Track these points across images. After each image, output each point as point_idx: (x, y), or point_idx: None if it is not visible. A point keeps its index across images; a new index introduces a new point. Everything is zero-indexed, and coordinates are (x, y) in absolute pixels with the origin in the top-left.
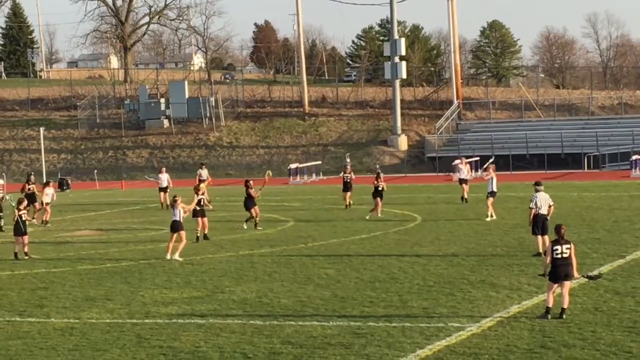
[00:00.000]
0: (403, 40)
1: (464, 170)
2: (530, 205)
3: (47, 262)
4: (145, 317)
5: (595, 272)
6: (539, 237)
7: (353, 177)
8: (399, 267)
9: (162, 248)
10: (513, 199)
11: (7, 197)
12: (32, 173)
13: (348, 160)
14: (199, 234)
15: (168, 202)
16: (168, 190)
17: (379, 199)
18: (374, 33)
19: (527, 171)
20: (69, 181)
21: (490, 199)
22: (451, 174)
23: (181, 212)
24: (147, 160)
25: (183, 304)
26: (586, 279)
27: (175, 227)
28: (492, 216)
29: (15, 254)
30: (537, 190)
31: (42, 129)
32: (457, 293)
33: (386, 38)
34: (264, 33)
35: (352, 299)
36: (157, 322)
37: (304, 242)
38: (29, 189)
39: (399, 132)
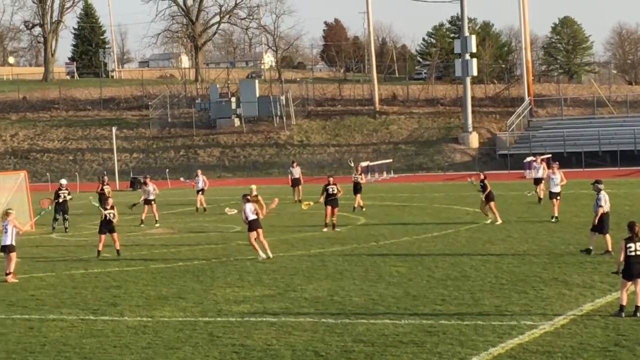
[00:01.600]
0: (474, 37)
1: (540, 169)
2: (601, 204)
3: (120, 261)
4: (217, 315)
5: None
6: (607, 235)
7: (363, 178)
8: (471, 265)
9: (234, 247)
10: (585, 197)
11: (90, 198)
12: (105, 173)
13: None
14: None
15: (204, 205)
16: (204, 192)
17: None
18: (444, 30)
19: (600, 168)
20: (143, 180)
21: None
22: (526, 171)
23: (251, 210)
24: (219, 159)
25: (255, 302)
26: None
27: (254, 225)
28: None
29: (99, 251)
30: (599, 190)
31: (114, 129)
32: (530, 291)
33: (457, 35)
34: (334, 31)
35: (423, 297)
36: (230, 320)
37: (375, 240)
38: (102, 189)
39: (470, 129)
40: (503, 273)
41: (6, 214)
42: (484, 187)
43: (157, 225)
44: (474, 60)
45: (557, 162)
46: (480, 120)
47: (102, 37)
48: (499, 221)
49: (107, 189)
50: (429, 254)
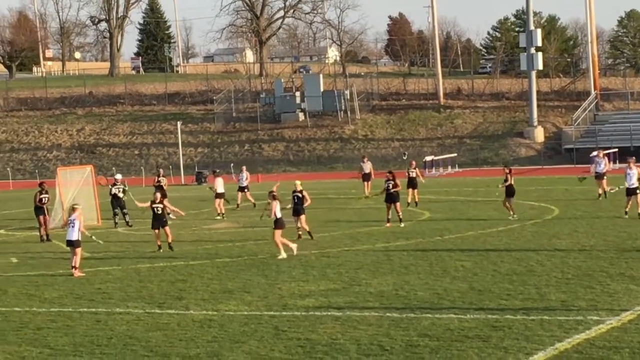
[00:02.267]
0: (539, 30)
1: (602, 164)
2: None
3: (186, 255)
4: (282, 309)
5: None
6: None
7: (419, 173)
8: (537, 260)
9: (298, 241)
10: None
11: (129, 193)
12: (161, 166)
13: (405, 156)
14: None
15: (251, 200)
16: (246, 190)
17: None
18: (509, 24)
19: None
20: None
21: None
22: (591, 166)
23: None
24: (283, 154)
25: (320, 297)
26: None
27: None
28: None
29: (159, 246)
30: None
31: (179, 123)
32: (596, 286)
33: (522, 29)
34: (398, 25)
35: (489, 292)
36: (295, 314)
37: (440, 235)
38: (158, 182)
39: (535, 123)
40: (569, 268)
41: (73, 209)
42: (506, 181)
43: (223, 218)
44: (540, 54)
45: (633, 157)
46: (546, 115)
47: (167, 32)
48: (514, 217)
49: (163, 181)
50: (495, 248)
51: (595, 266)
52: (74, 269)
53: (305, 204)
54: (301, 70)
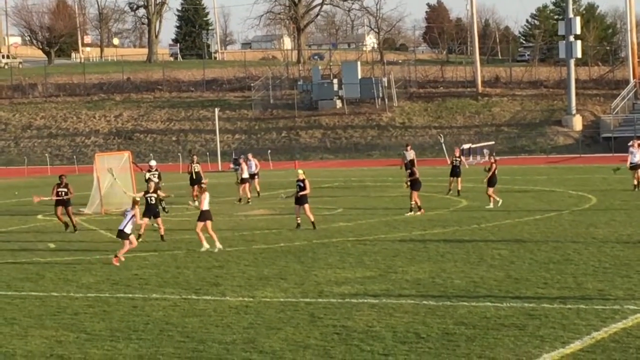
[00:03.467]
0: (578, 18)
1: (637, 154)
2: None
3: (222, 241)
4: (318, 296)
5: None
6: None
7: (464, 161)
8: (574, 249)
9: (335, 228)
10: None
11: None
12: (195, 153)
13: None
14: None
15: (258, 189)
16: (256, 177)
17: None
18: (548, 12)
19: None
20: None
21: None
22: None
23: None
24: (320, 141)
25: (356, 284)
26: None
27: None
28: None
29: (139, 234)
30: None
31: (216, 110)
32: (634, 275)
33: (561, 17)
34: (436, 13)
35: (525, 280)
36: (331, 301)
37: (477, 223)
38: (192, 168)
39: (574, 112)
40: (606, 257)
41: (134, 202)
42: (489, 170)
43: (249, 203)
44: (578, 42)
45: None
46: (584, 103)
47: (205, 19)
48: (490, 205)
49: (197, 167)
50: (531, 236)
51: (632, 255)
52: (115, 257)
53: (304, 193)
54: (315, 57)
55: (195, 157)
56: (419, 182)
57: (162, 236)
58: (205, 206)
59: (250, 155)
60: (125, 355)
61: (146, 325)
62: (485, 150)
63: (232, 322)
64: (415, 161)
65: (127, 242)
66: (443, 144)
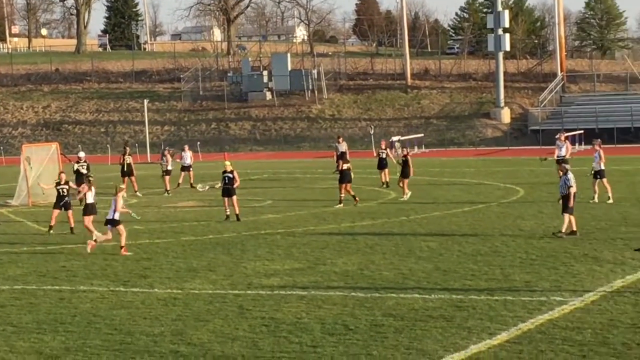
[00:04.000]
0: (507, 12)
1: (563, 147)
2: (571, 184)
3: (151, 233)
4: (247, 288)
5: None
6: (568, 215)
7: (389, 153)
8: (501, 241)
9: (264, 220)
10: (617, 173)
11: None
12: (128, 143)
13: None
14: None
15: (191, 181)
16: (190, 169)
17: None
18: (477, 5)
19: (632, 144)
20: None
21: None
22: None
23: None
24: (250, 133)
25: (285, 276)
26: None
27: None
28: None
29: (50, 226)
30: (567, 170)
31: (146, 101)
32: (560, 267)
33: (490, 10)
34: (366, 5)
35: (453, 272)
36: (259, 293)
37: (406, 215)
38: (124, 160)
39: (502, 104)
40: (533, 249)
41: (116, 188)
42: (405, 163)
43: (168, 195)
44: (507, 35)
45: (599, 140)
46: (512, 96)
47: (134, 10)
48: (405, 198)
49: (128, 159)
50: (460, 229)
51: (559, 247)
52: (121, 249)
53: (235, 185)
54: (238, 48)
55: (127, 148)
56: (348, 174)
57: (71, 229)
58: (90, 199)
59: (186, 147)
60: (52, 347)
61: (73, 317)
62: (397, 143)
63: (160, 314)
64: (348, 153)
65: (121, 227)
66: (372, 136)
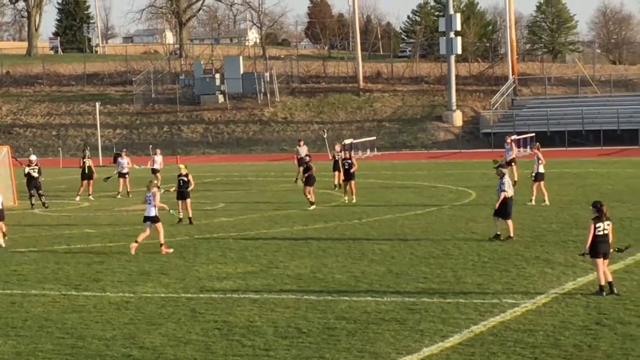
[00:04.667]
0: (458, 15)
1: (510, 151)
2: (505, 188)
3: (103, 237)
4: (200, 291)
5: (625, 245)
6: (510, 220)
7: (343, 156)
8: (453, 243)
9: (217, 223)
10: (568, 175)
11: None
12: (88, 147)
13: (325, 134)
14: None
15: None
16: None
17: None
18: (429, 8)
19: (583, 147)
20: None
21: (537, 182)
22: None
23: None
24: (202, 136)
25: (237, 279)
26: (617, 252)
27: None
28: (543, 201)
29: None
30: (503, 174)
31: (97, 104)
32: (512, 269)
33: (441, 13)
34: (318, 8)
35: (406, 275)
36: (212, 296)
37: (358, 218)
38: (83, 163)
39: (454, 107)
40: (485, 251)
41: (150, 184)
42: (349, 166)
43: (130, 196)
44: (459, 38)
45: (538, 143)
46: (464, 99)
47: (86, 12)
48: (346, 199)
49: (88, 162)
50: (412, 231)
51: (511, 250)
52: (161, 247)
53: (190, 188)
54: (176, 54)
55: (87, 151)
56: (313, 177)
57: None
58: None
59: (158, 151)
60: (3, 352)
61: (25, 321)
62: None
63: (112, 318)
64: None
65: (159, 225)
66: (326, 139)
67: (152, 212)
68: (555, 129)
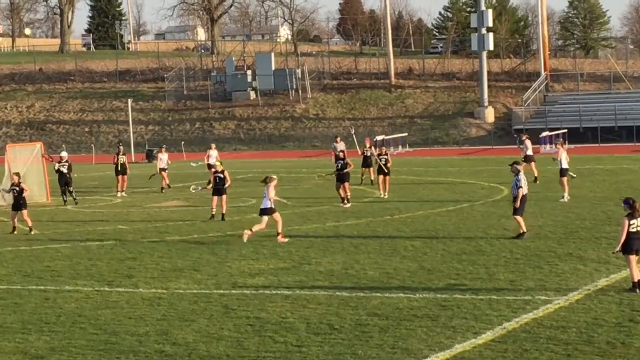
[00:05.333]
0: (490, 11)
1: (526, 148)
2: (521, 185)
3: (136, 233)
4: (232, 287)
5: None
6: (520, 217)
7: (374, 152)
8: (486, 240)
9: (249, 220)
10: (601, 172)
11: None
12: (121, 143)
13: (353, 130)
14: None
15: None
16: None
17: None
18: (460, 4)
19: (616, 143)
20: (157, 152)
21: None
22: (541, 146)
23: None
24: (234, 132)
25: (270, 275)
26: None
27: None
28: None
29: (13, 227)
30: (518, 171)
31: (130, 101)
32: (545, 266)
33: (473, 9)
34: (350, 4)
35: (438, 271)
36: (244, 292)
37: (390, 214)
38: (117, 160)
39: (486, 104)
40: (518, 248)
41: (266, 179)
42: (385, 162)
43: (166, 190)
44: (491, 34)
45: (561, 139)
46: (496, 95)
47: (118, 9)
48: (381, 195)
49: (122, 159)
50: (444, 228)
51: (543, 246)
52: (278, 235)
53: (226, 185)
54: (201, 50)
55: (121, 148)
56: (347, 174)
57: (30, 228)
58: None
59: (213, 146)
60: (37, 347)
61: (58, 317)
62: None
63: (145, 314)
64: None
65: (276, 215)
66: (354, 135)
67: (268, 204)
68: (588, 125)
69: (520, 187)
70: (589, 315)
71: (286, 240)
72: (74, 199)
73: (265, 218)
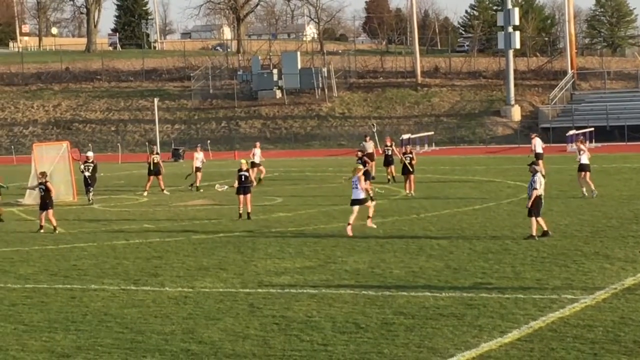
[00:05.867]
0: (517, 9)
1: (538, 145)
2: (536, 186)
3: (162, 232)
4: (258, 286)
5: None
6: (535, 219)
7: (395, 150)
8: (512, 239)
9: (275, 218)
10: (628, 170)
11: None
12: (152, 143)
13: (374, 128)
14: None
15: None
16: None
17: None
18: (487, 3)
19: None
20: (183, 151)
21: (581, 173)
22: (568, 145)
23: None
24: (260, 131)
25: (295, 274)
26: None
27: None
28: (591, 192)
29: (40, 226)
30: (536, 171)
31: (156, 100)
32: (571, 265)
33: (499, 7)
34: (376, 3)
35: (464, 270)
36: (270, 291)
37: (416, 213)
38: (152, 159)
39: (512, 102)
40: (544, 247)
41: (355, 170)
42: (410, 160)
43: (201, 191)
44: (517, 32)
45: (581, 137)
46: (523, 93)
47: (144, 9)
48: (407, 193)
49: (156, 158)
50: (470, 227)
51: (570, 245)
52: (368, 219)
53: (252, 184)
54: (217, 48)
55: (154, 147)
56: (368, 172)
57: (54, 227)
58: None
59: (257, 144)
60: (63, 346)
61: (84, 316)
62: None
63: (171, 313)
64: (375, 154)
65: (368, 203)
66: (375, 133)
67: (360, 194)
68: (615, 124)
69: (535, 188)
70: (616, 314)
71: (374, 225)
72: (89, 199)
73: (357, 207)
